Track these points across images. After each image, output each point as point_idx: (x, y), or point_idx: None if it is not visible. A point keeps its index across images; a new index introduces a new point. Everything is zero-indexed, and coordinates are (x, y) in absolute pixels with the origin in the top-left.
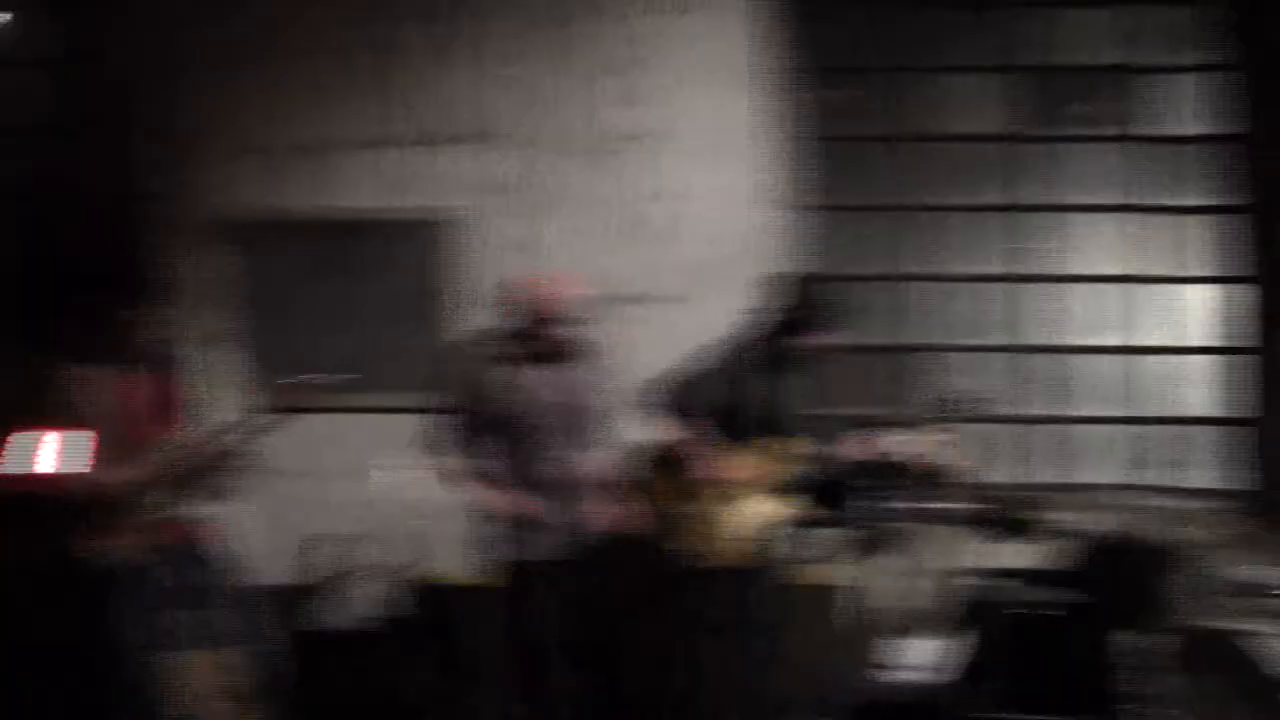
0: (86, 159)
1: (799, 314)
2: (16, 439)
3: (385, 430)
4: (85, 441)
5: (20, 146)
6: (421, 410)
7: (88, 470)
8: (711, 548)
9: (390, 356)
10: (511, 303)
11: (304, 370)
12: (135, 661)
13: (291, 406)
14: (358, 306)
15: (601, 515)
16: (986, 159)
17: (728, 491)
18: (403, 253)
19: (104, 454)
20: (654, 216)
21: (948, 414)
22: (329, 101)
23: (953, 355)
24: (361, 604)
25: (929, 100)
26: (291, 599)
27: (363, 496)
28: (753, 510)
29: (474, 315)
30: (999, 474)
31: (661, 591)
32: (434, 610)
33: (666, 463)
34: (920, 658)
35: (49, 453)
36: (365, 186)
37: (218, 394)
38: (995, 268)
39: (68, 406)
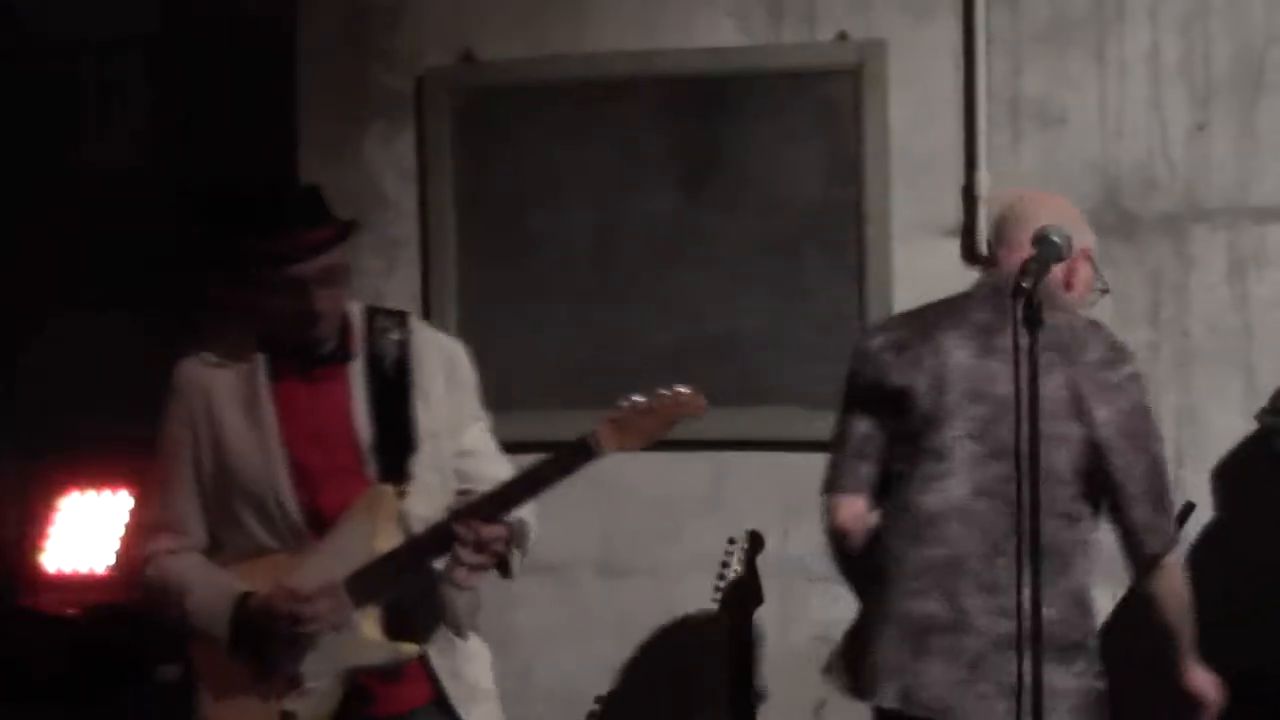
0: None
1: None
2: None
3: (773, 474)
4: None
5: None
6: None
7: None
8: None
9: (781, 336)
10: (1000, 226)
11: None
12: None
13: (619, 444)
14: (713, 242)
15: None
16: None
17: None
18: (800, 131)
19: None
20: None
21: None
22: None
23: None
24: None
25: None
26: None
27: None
28: None
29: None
30: None
31: None
32: None
33: None
34: None
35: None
36: (725, 12)
37: (465, 413)
38: None
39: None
